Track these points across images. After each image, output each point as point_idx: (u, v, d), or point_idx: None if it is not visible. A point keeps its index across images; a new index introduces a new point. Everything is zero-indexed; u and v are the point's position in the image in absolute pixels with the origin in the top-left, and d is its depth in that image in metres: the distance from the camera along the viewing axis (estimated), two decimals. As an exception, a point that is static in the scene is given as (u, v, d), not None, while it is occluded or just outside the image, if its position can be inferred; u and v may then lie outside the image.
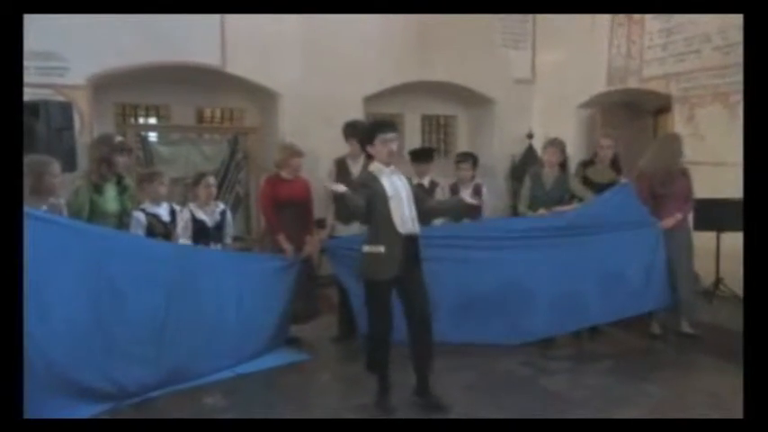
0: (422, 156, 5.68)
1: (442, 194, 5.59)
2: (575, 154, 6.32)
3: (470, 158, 5.86)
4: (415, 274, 3.95)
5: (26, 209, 3.61)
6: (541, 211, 5.23)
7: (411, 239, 3.91)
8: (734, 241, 6.26)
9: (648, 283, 5.10)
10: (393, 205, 3.85)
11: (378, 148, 3.92)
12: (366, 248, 3.92)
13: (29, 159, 4.08)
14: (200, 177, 5.05)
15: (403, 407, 3.94)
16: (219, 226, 4.99)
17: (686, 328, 5.32)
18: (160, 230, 4.60)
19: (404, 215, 3.88)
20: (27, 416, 3.38)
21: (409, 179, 4.22)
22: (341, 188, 3.66)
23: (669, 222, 5.14)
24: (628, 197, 5.14)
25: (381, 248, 3.84)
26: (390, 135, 3.93)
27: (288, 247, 5.08)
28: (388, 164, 3.95)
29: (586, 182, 5.52)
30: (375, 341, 3.97)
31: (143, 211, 4.60)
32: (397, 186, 3.92)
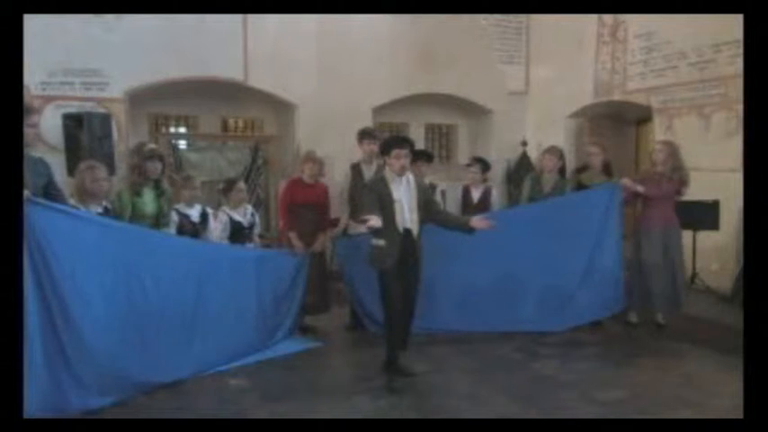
0: (420, 157, 5.66)
1: (441, 197, 5.59)
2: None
3: (479, 163, 5.86)
4: (411, 266, 4.14)
5: (68, 208, 3.64)
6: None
7: (408, 236, 4.09)
8: (708, 240, 6.29)
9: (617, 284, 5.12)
10: (397, 208, 4.07)
11: (392, 160, 4.13)
12: (372, 241, 4.15)
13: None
14: (232, 184, 5.08)
15: (407, 389, 3.98)
16: (251, 225, 5.08)
17: (659, 319, 5.35)
18: (188, 229, 4.63)
19: (404, 216, 4.09)
20: (69, 402, 3.37)
21: (426, 183, 4.39)
22: (377, 223, 3.84)
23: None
24: (607, 192, 5.12)
25: (382, 242, 4.07)
26: (403, 151, 4.12)
27: (298, 243, 5.10)
28: (399, 174, 4.11)
29: (580, 186, 5.51)
30: (388, 326, 4.09)
31: (177, 211, 4.65)
32: (402, 191, 4.11)
